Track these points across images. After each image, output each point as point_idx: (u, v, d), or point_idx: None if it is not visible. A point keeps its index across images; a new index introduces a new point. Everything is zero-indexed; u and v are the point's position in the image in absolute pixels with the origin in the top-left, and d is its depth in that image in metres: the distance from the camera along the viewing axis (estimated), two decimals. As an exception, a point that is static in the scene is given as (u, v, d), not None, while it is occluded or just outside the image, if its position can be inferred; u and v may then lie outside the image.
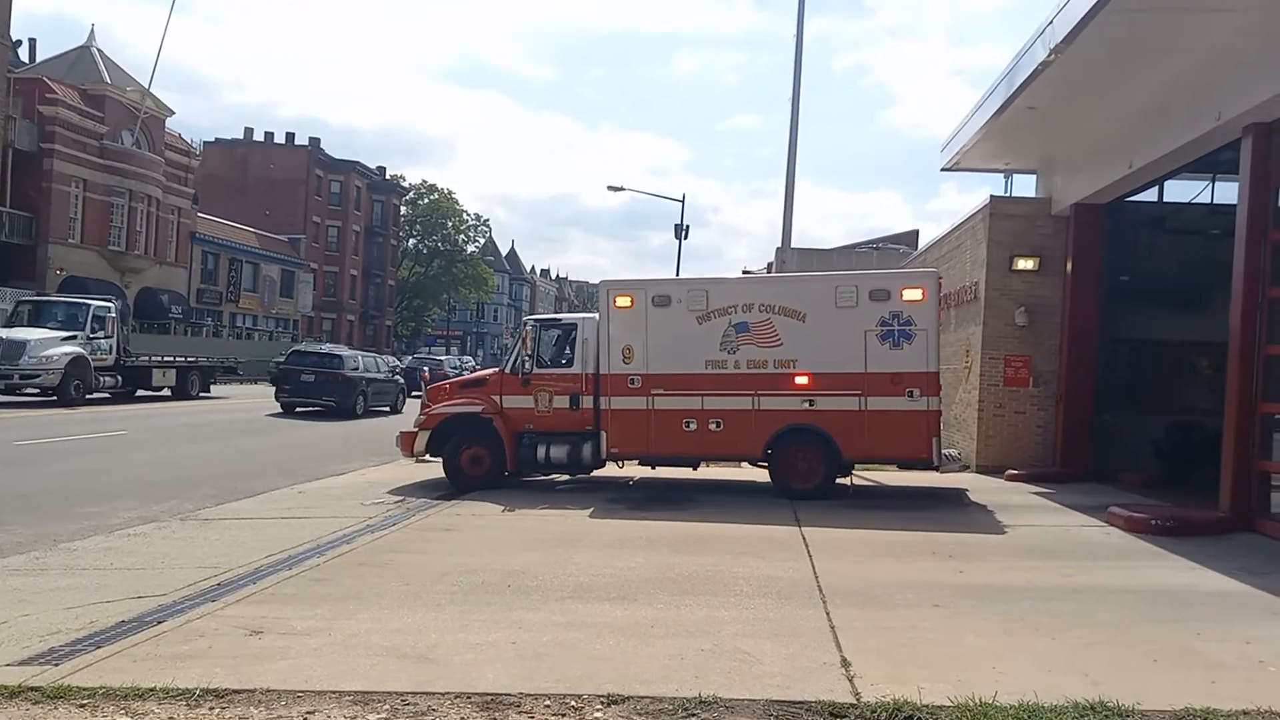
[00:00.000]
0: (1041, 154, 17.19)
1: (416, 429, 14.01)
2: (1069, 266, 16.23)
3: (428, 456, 13.98)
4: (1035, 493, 14.05)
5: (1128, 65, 12.15)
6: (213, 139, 72.89)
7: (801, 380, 12.79)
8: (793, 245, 25.13)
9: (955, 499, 13.30)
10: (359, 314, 79.16)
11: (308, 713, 4.80)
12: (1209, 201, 15.81)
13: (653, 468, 14.37)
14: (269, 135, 75.23)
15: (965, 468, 15.23)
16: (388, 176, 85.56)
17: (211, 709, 4.83)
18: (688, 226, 40.67)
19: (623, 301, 13.37)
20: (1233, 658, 5.99)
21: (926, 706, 4.92)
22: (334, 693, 5.06)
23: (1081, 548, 9.83)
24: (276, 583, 7.57)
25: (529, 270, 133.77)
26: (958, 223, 19.09)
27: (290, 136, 75.58)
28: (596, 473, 14.00)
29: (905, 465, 13.60)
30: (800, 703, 5.01)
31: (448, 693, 5.08)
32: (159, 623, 6.34)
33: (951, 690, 5.12)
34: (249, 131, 74.82)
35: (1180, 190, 16.22)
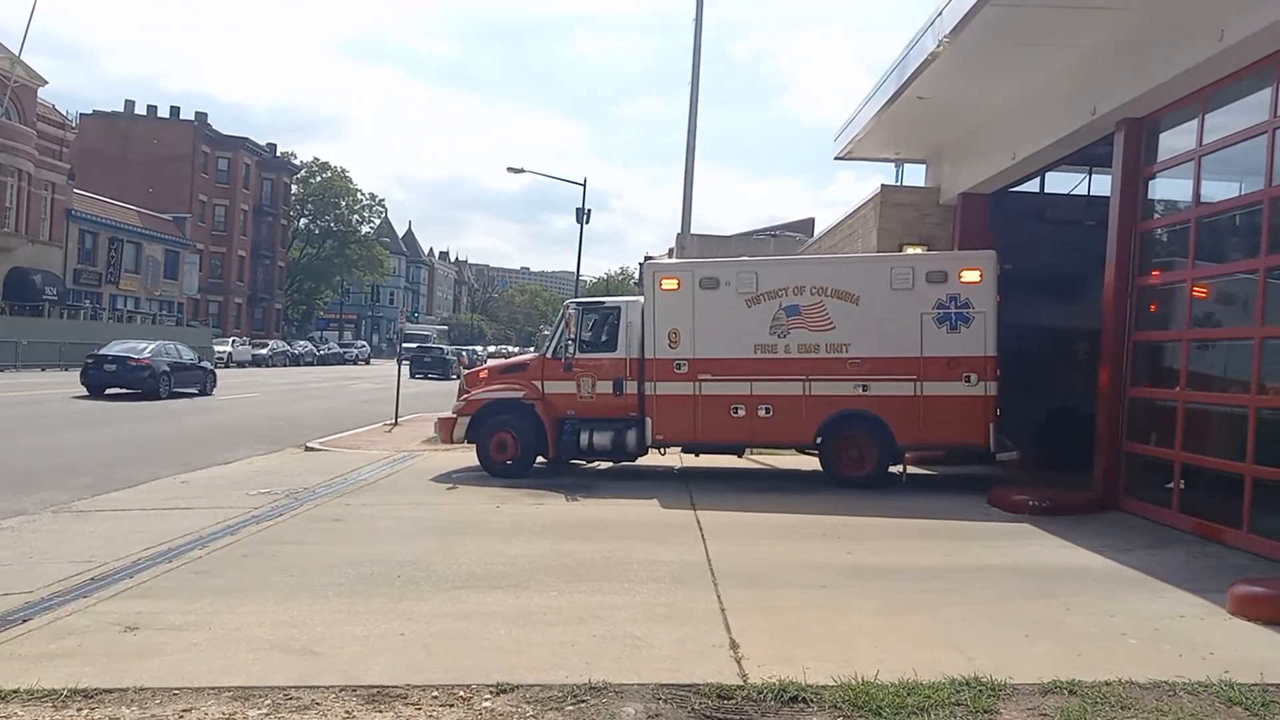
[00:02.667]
0: (931, 144, 17.66)
1: (455, 415, 13.58)
2: (955, 255, 16.70)
3: (467, 442, 13.64)
4: (923, 474, 14.47)
5: (1012, 58, 12.54)
6: (90, 111, 69.48)
7: (855, 365, 12.60)
8: (693, 231, 25.29)
9: (840, 484, 13.56)
10: (247, 296, 76.69)
11: (184, 711, 4.64)
12: (1087, 193, 16.51)
13: (696, 455, 14.19)
14: (152, 109, 72.01)
15: (1017, 455, 14.29)
16: (279, 154, 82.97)
17: (80, 710, 4.63)
18: (589, 210, 40.44)
19: (669, 284, 13.07)
20: (1097, 630, 6.30)
21: (811, 686, 5.03)
22: (213, 689, 4.91)
23: (964, 528, 10.17)
24: (155, 576, 7.30)
25: (427, 252, 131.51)
26: (851, 211, 19.48)
27: (175, 110, 72.58)
28: (640, 460, 13.75)
29: (961, 452, 13.32)
30: (689, 685, 5.06)
31: (332, 686, 4.98)
32: (25, 621, 6.04)
33: (835, 669, 5.25)
34: (130, 104, 71.52)
35: (1061, 181, 16.89)
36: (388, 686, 4.98)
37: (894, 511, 10.91)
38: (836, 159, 19.70)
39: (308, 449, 16.36)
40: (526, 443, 13.22)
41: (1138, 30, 10.65)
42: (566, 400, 13.25)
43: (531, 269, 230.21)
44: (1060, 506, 10.97)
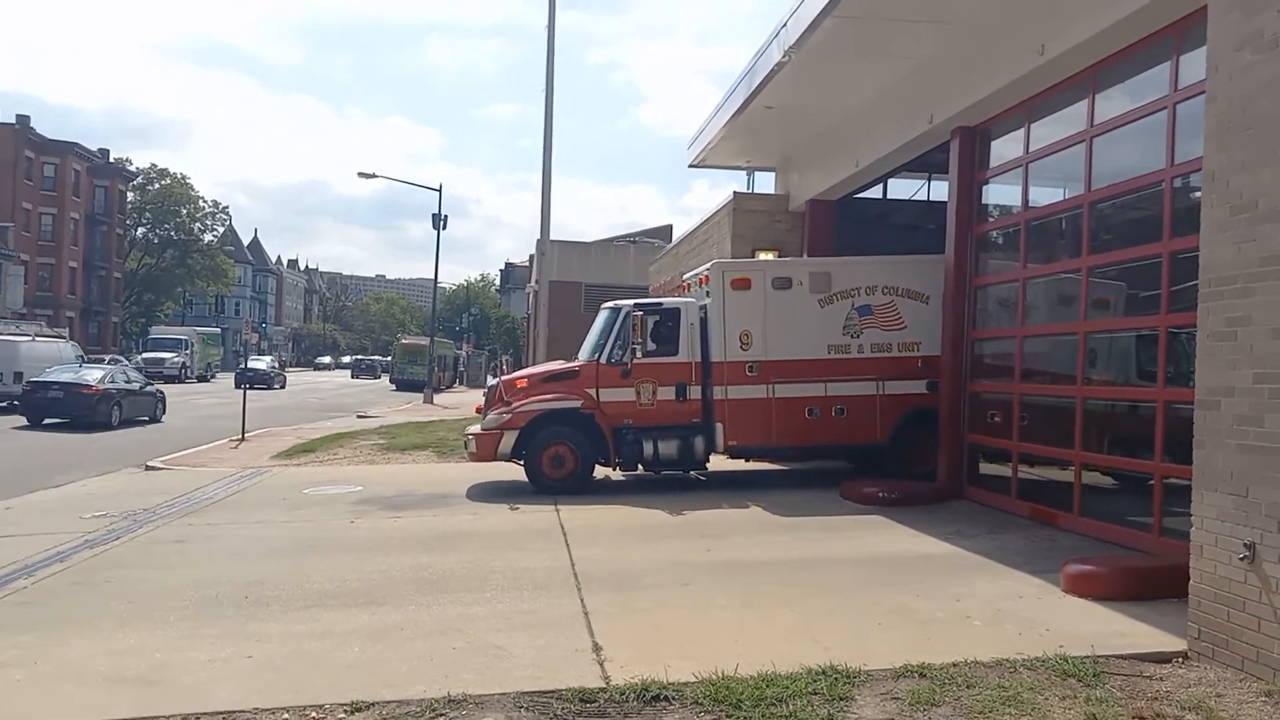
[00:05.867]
0: (780, 152, 18.15)
1: (500, 429, 12.48)
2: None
3: (512, 459, 12.61)
4: (779, 471, 14.82)
5: (854, 68, 13.00)
6: (-105, 113, 64.17)
7: (925, 363, 12.69)
8: (553, 238, 25.20)
9: (705, 482, 13.78)
10: (80, 310, 72.19)
11: (6, 753, 4.31)
12: (927, 198, 17.26)
13: (747, 459, 13.69)
14: (-34, 111, 67.14)
15: None
16: (112, 160, 78.50)
17: (-116, 761, 4.24)
18: (446, 217, 39.70)
19: (740, 284, 12.73)
20: (944, 614, 6.57)
21: (673, 684, 5.05)
22: (38, 728, 4.58)
23: (819, 521, 10.45)
24: (-28, 611, 6.76)
25: (274, 261, 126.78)
26: (706, 217, 19.83)
27: (-8, 113, 67.84)
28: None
29: None
30: (551, 692, 5.02)
31: (174, 714, 4.71)
32: None
33: (697, 666, 5.29)
34: (-59, 106, 66.45)
35: (903, 188, 17.61)
36: (234, 712, 4.75)
37: (751, 507, 11.10)
38: (691, 166, 20.01)
39: (148, 468, 15.50)
40: (585, 455, 12.57)
41: (968, 43, 11.20)
42: (624, 408, 12.65)
43: (388, 276, 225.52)
44: (909, 497, 11.41)
